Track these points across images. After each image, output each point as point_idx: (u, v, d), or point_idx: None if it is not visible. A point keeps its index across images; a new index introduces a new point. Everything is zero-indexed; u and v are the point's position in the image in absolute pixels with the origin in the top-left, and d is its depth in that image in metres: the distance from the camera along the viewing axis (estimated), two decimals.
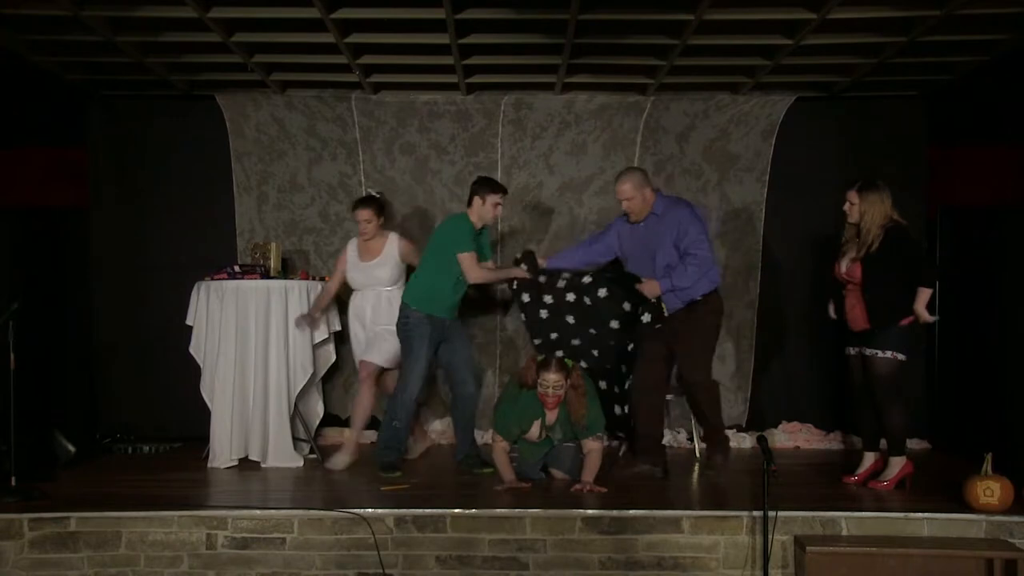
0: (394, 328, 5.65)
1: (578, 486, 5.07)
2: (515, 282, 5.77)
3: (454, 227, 5.62)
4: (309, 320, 5.89)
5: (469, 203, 5.63)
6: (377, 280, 5.87)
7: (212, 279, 5.99)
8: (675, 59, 5.79)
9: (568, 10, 4.93)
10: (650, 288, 5.36)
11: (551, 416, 5.25)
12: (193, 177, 6.80)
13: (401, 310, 5.61)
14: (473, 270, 5.55)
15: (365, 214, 5.83)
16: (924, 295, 4.98)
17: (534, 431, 5.28)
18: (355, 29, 5.41)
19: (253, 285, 5.89)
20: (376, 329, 5.84)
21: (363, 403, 5.82)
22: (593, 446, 5.20)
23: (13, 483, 4.91)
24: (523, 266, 5.70)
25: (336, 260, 6.12)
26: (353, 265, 5.90)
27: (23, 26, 5.38)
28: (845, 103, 6.75)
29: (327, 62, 5.98)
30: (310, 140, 6.79)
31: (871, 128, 6.74)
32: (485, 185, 5.61)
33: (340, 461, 5.71)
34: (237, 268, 6.07)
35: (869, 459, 5.29)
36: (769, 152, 6.74)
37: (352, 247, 5.95)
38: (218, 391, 5.85)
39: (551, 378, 5.10)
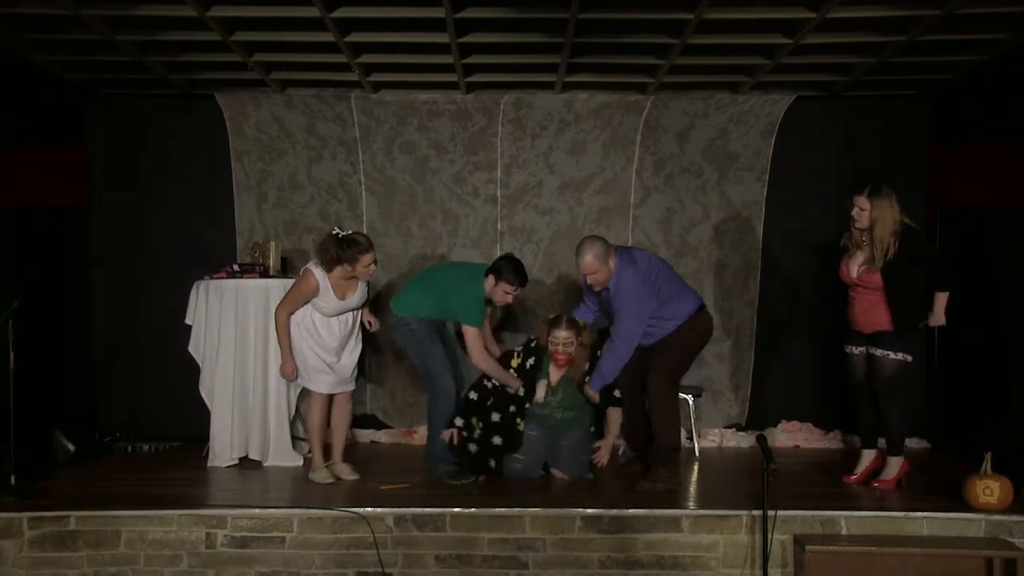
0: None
1: (599, 445, 5.42)
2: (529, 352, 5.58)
3: (473, 300, 5.45)
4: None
5: (487, 272, 5.51)
6: (351, 308, 5.45)
7: (211, 278, 5.99)
8: (675, 58, 5.79)
9: (568, 9, 4.93)
10: (593, 398, 5.42)
11: (555, 376, 5.38)
12: (193, 176, 6.80)
13: (399, 322, 5.58)
14: (478, 352, 5.43)
15: (372, 257, 5.36)
16: (942, 299, 5.01)
17: (540, 392, 5.40)
18: (355, 28, 5.41)
19: (252, 284, 5.89)
20: (348, 350, 5.48)
21: (323, 418, 5.49)
22: (609, 411, 5.47)
23: (13, 482, 4.91)
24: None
25: (296, 284, 5.37)
26: (326, 300, 5.33)
27: (23, 25, 5.38)
28: (845, 102, 6.75)
29: (327, 61, 5.98)
30: (310, 139, 6.79)
31: (871, 127, 6.74)
32: (509, 271, 5.43)
33: (323, 476, 5.39)
34: (237, 267, 6.07)
35: (868, 457, 5.30)
36: (769, 151, 6.74)
37: (323, 280, 5.30)
38: (218, 390, 5.85)
39: (561, 335, 5.31)
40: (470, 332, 5.44)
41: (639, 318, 5.18)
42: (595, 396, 5.42)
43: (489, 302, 5.60)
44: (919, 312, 5.08)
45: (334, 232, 5.33)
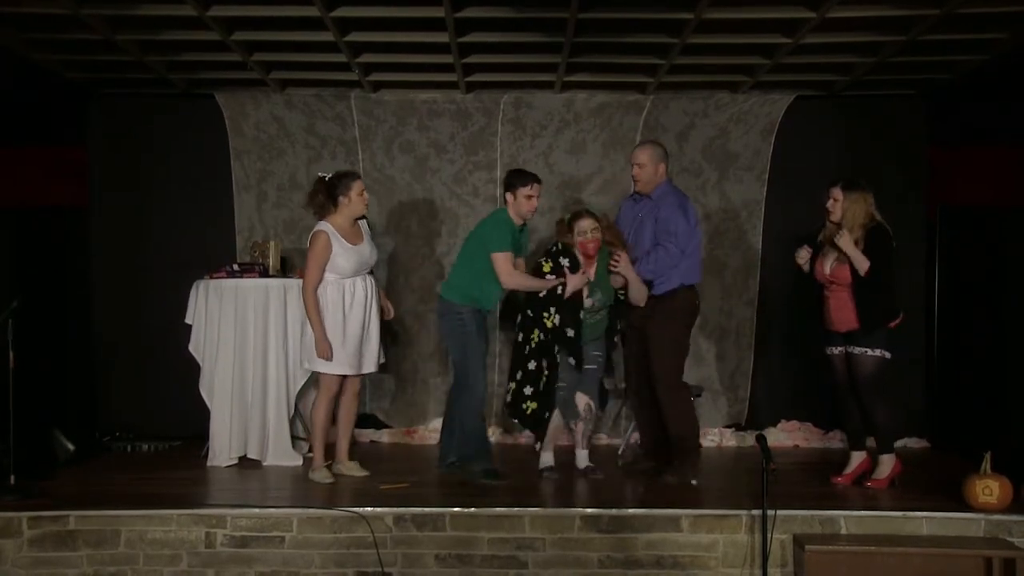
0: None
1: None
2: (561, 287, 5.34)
3: (493, 224, 5.39)
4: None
5: (504, 199, 5.46)
6: (368, 263, 5.42)
7: (211, 278, 5.98)
8: (675, 58, 5.79)
9: (568, 9, 4.93)
10: (616, 282, 5.33)
11: (591, 271, 5.32)
12: (192, 175, 6.80)
13: (449, 309, 5.36)
14: (507, 273, 5.29)
15: (362, 184, 5.39)
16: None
17: (580, 286, 5.29)
18: (354, 27, 5.41)
19: (252, 284, 5.89)
20: (371, 329, 5.45)
21: (329, 414, 5.44)
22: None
23: (12, 481, 4.91)
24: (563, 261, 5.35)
25: (310, 253, 5.27)
26: (343, 250, 5.28)
27: (23, 24, 5.38)
28: (844, 102, 6.75)
29: (326, 60, 5.98)
30: (309, 139, 6.79)
31: (870, 127, 6.74)
32: (514, 178, 5.39)
33: (323, 475, 5.36)
34: (236, 266, 6.07)
35: (856, 458, 5.29)
36: (768, 151, 6.74)
37: (331, 231, 5.27)
38: (217, 390, 5.85)
39: (586, 223, 5.30)
40: (499, 257, 5.26)
41: (687, 236, 5.28)
42: (634, 279, 5.28)
43: (523, 228, 5.47)
44: (886, 310, 5.04)
45: (320, 176, 5.43)
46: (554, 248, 5.44)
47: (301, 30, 5.41)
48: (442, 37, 5.43)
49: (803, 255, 5.25)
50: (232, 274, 5.97)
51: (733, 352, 6.76)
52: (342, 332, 5.29)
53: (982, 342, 6.38)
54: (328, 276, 5.28)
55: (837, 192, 5.10)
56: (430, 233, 6.79)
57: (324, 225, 5.29)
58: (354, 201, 5.31)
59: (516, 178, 5.38)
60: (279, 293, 5.87)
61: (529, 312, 5.34)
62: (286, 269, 6.38)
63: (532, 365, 5.30)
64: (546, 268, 5.36)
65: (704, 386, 6.64)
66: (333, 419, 5.51)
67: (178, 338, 6.11)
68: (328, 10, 5.02)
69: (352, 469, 5.46)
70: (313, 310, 5.24)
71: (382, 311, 5.58)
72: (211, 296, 5.90)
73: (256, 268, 6.03)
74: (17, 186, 6.79)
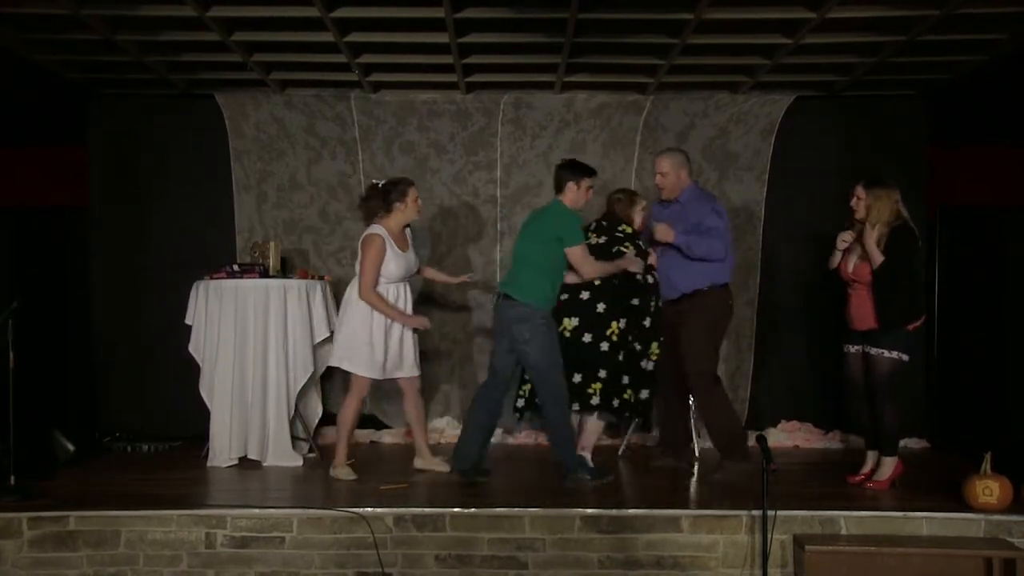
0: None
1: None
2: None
3: (561, 217, 5.24)
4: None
5: (559, 190, 5.30)
6: (412, 271, 5.54)
7: (211, 278, 5.99)
8: (675, 58, 5.79)
9: (567, 9, 4.93)
10: (663, 232, 5.40)
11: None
12: (192, 176, 6.80)
13: (532, 314, 5.11)
14: (588, 264, 5.23)
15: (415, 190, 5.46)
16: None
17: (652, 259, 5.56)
18: (354, 28, 5.41)
19: (252, 284, 5.89)
20: (407, 334, 5.48)
21: (357, 415, 5.57)
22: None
23: (12, 482, 4.91)
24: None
25: (366, 255, 5.31)
26: (394, 256, 5.36)
27: (23, 25, 5.38)
28: (845, 102, 6.75)
29: (326, 61, 5.98)
30: (309, 139, 6.79)
31: (870, 127, 6.74)
32: (579, 170, 5.29)
33: (347, 472, 5.43)
34: (236, 267, 6.07)
35: (872, 458, 5.26)
36: (768, 151, 6.74)
37: (384, 235, 5.36)
38: (217, 390, 5.85)
39: (642, 200, 5.72)
40: (580, 250, 5.19)
41: (723, 229, 5.39)
42: (669, 234, 5.38)
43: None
44: (906, 312, 5.02)
45: (373, 182, 5.54)
46: (627, 230, 5.56)
47: (301, 30, 5.41)
48: (442, 37, 5.43)
49: (846, 238, 5.16)
50: (232, 274, 5.98)
51: (733, 352, 6.76)
52: (383, 336, 5.36)
53: (982, 342, 6.37)
54: (379, 280, 5.37)
55: (860, 190, 5.09)
56: (430, 233, 6.79)
57: (378, 228, 5.37)
58: (409, 207, 5.40)
59: (581, 170, 5.32)
60: (279, 293, 5.87)
61: (599, 308, 5.37)
62: (286, 270, 6.39)
63: (621, 356, 5.39)
64: (628, 249, 5.45)
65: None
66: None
67: (178, 338, 6.12)
68: (328, 10, 5.02)
69: (436, 464, 5.56)
70: (383, 304, 5.32)
71: (459, 281, 5.88)
72: (211, 296, 5.91)
73: (256, 269, 6.03)
74: (17, 186, 6.79)
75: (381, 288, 5.35)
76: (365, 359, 5.36)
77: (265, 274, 6.03)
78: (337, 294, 6.29)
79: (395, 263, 5.35)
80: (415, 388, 5.59)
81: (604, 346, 5.37)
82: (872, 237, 4.98)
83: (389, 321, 5.36)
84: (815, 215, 6.61)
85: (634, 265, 5.39)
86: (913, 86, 6.58)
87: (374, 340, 5.35)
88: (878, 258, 4.96)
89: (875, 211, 5.02)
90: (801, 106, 6.71)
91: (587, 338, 5.37)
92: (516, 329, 5.12)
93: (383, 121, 6.78)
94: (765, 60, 5.88)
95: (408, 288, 5.54)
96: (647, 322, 5.47)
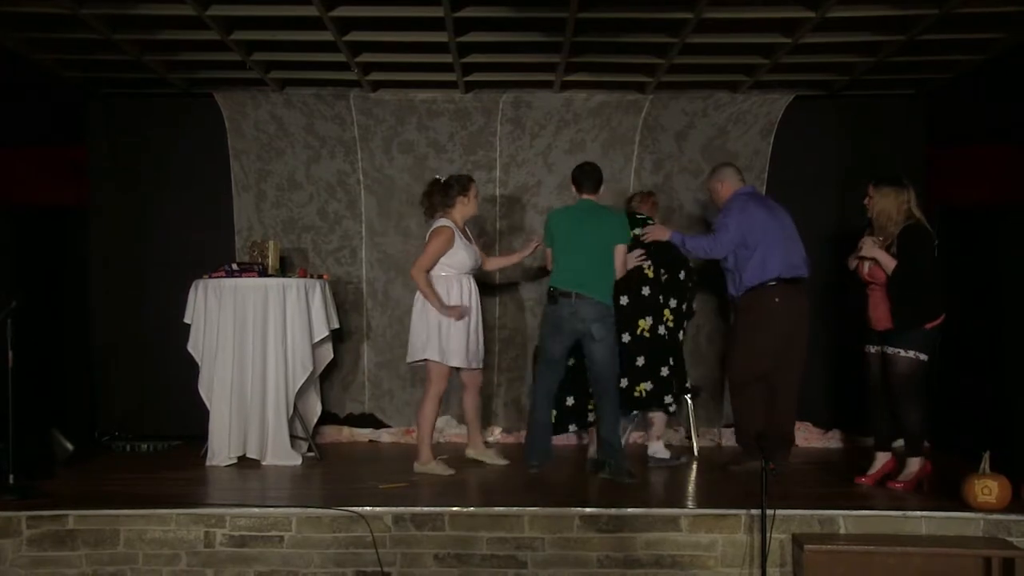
0: None
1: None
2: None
3: (620, 219, 5.61)
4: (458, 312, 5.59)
5: (595, 191, 5.58)
6: (478, 261, 5.75)
7: (210, 277, 5.99)
8: (674, 57, 5.79)
9: (567, 8, 4.93)
10: (656, 231, 5.70)
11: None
12: (192, 175, 6.80)
13: (607, 314, 5.40)
14: (625, 264, 5.55)
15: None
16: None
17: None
18: (354, 27, 5.41)
19: (251, 283, 5.89)
20: (479, 325, 5.71)
21: (436, 409, 5.69)
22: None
23: (11, 481, 4.91)
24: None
25: (432, 241, 5.53)
26: (463, 245, 5.60)
27: (22, 24, 5.38)
28: (844, 102, 6.75)
29: (326, 60, 5.98)
30: (309, 138, 6.79)
31: (869, 127, 6.74)
32: (600, 174, 5.62)
33: (442, 468, 5.55)
34: (235, 266, 6.07)
35: (881, 459, 5.25)
36: (768, 150, 6.74)
37: (454, 227, 5.60)
38: (216, 389, 5.85)
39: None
40: (621, 249, 5.48)
41: (728, 238, 5.53)
42: (662, 233, 5.68)
43: None
44: (921, 311, 5.02)
45: (436, 178, 5.77)
46: (643, 216, 5.86)
47: (300, 29, 5.41)
48: (441, 37, 5.43)
49: (867, 244, 5.12)
50: (231, 274, 5.97)
51: None
52: (465, 325, 5.54)
53: (982, 342, 6.37)
54: (449, 271, 5.57)
55: (870, 188, 5.12)
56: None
57: (447, 221, 5.60)
58: (471, 201, 5.68)
59: (600, 174, 5.63)
60: (278, 293, 5.87)
61: (661, 299, 5.71)
62: (285, 269, 6.39)
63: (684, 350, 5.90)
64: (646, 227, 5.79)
65: (703, 386, 6.63)
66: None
67: (178, 338, 6.11)
68: (327, 9, 5.02)
69: (490, 457, 5.82)
70: (428, 288, 5.48)
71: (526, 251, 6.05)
72: (210, 296, 5.91)
73: (255, 268, 6.03)
74: (17, 186, 6.79)
75: (452, 279, 5.56)
76: (454, 348, 5.52)
77: (264, 273, 6.03)
78: (336, 293, 6.31)
79: (466, 252, 5.59)
80: (478, 382, 5.84)
81: (663, 333, 5.72)
82: (872, 248, 4.98)
83: (469, 311, 5.57)
84: (814, 214, 6.59)
85: (660, 232, 5.68)
86: (912, 85, 6.58)
87: (462, 330, 5.53)
88: (890, 264, 4.97)
89: (879, 208, 5.02)
90: (800, 105, 6.71)
91: (661, 330, 5.70)
92: (595, 328, 5.35)
93: (382, 120, 6.77)
94: (764, 59, 5.88)
95: (474, 282, 5.71)
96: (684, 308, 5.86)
